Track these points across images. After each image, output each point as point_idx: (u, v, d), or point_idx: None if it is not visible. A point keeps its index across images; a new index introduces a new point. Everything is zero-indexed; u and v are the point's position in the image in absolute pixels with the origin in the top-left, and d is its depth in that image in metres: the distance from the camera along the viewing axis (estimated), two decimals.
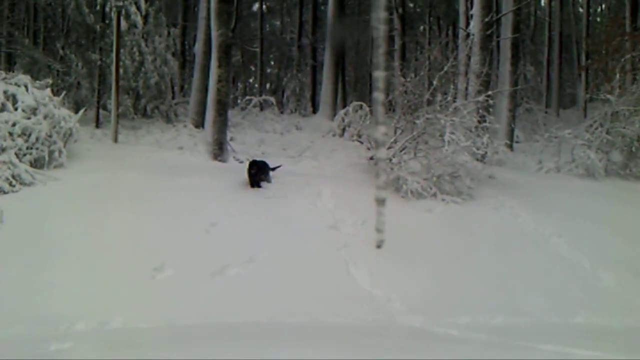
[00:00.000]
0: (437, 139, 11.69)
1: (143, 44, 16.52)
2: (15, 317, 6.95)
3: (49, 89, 11.73)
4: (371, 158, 12.07)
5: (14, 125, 10.62)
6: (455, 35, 20.80)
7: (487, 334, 6.94)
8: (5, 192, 9.72)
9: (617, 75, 15.18)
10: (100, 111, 15.53)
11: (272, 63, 34.98)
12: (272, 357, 5.18)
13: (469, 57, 15.13)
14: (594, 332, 7.57)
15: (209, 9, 14.36)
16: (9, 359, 5.39)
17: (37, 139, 10.78)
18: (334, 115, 19.33)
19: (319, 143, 16.11)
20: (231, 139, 14.05)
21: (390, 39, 26.52)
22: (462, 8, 17.54)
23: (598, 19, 31.94)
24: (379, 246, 3.10)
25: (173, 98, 18.40)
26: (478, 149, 11.57)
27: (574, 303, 8.47)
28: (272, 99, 20.94)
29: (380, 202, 2.67)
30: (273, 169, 11.63)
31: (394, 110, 15.33)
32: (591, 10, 29.16)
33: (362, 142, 15.75)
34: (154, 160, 12.07)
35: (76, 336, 6.52)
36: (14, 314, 7.03)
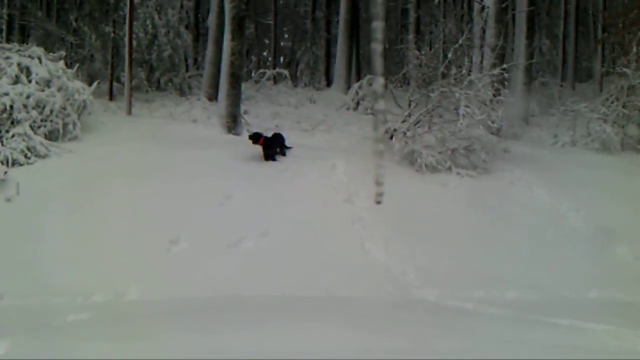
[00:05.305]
0: (451, 113, 11.62)
1: (156, 17, 16.40)
2: (32, 288, 7.03)
3: (62, 62, 11.73)
4: (386, 131, 11.99)
5: (28, 97, 10.63)
6: (470, 8, 20.50)
7: (502, 308, 6.94)
8: (20, 164, 9.77)
9: (634, 49, 14.92)
10: (114, 84, 15.46)
11: (286, 36, 34.68)
12: (285, 330, 5.22)
13: (483, 30, 14.96)
14: (609, 306, 7.56)
15: None
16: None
17: (51, 111, 10.80)
18: (348, 88, 19.25)
19: (333, 116, 16.03)
20: (245, 112, 14.01)
21: (405, 12, 26.30)
22: None
23: None
24: (378, 201, 3.12)
25: (187, 71, 18.28)
26: (493, 122, 11.48)
27: (589, 278, 8.45)
28: (286, 72, 20.77)
29: (379, 154, 2.71)
30: (287, 148, 11.63)
31: (408, 84, 15.24)
32: None
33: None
34: (167, 133, 12.05)
35: (93, 307, 6.59)
36: (31, 285, 7.10)
